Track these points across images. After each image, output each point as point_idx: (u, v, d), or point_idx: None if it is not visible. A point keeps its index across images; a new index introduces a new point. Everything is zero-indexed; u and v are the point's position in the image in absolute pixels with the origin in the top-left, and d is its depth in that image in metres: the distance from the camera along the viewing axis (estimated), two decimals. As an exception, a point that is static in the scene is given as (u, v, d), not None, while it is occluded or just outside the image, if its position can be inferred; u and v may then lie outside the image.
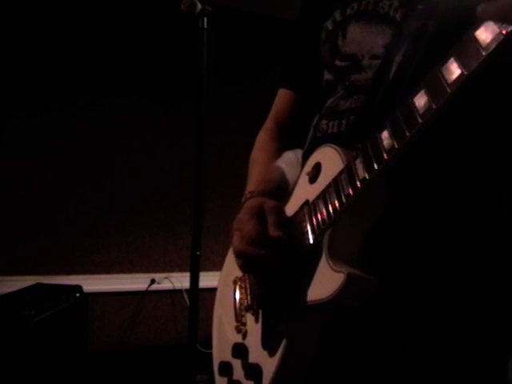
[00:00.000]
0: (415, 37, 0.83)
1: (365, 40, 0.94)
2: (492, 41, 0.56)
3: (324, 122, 1.00)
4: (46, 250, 3.26)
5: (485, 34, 0.57)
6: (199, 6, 2.01)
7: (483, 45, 0.57)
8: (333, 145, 0.86)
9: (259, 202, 0.95)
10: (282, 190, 1.04)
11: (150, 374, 3.17)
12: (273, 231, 0.87)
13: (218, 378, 1.05)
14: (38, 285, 2.84)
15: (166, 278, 3.56)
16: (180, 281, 3.49)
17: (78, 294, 2.75)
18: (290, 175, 1.06)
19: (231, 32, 3.53)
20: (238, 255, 0.93)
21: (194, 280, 2.06)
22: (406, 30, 0.85)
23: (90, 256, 3.41)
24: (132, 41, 3.48)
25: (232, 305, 1.10)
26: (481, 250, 0.84)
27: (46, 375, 2.41)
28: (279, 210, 0.93)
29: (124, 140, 3.48)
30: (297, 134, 1.14)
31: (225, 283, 1.17)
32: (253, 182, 1.10)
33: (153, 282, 3.52)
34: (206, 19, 2.05)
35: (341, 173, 0.79)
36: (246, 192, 1.06)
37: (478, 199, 0.84)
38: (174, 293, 3.56)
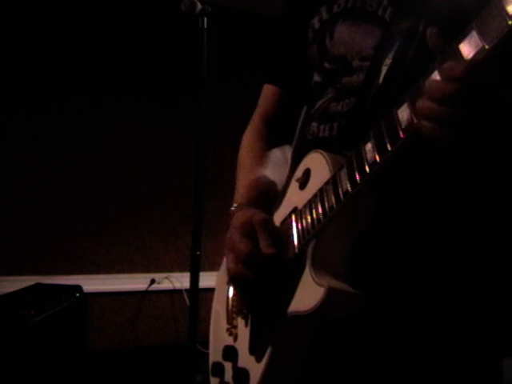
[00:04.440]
0: (405, 38, 0.80)
1: (353, 41, 0.91)
2: (475, 55, 0.54)
3: (315, 124, 0.98)
4: (46, 250, 3.26)
5: (468, 47, 0.55)
6: (199, 6, 2.01)
7: (466, 59, 0.55)
8: (322, 151, 0.85)
9: (247, 216, 0.93)
10: (269, 194, 1.03)
11: (149, 374, 3.17)
12: (266, 249, 0.86)
13: (211, 378, 1.05)
14: (38, 285, 2.84)
15: (166, 277, 3.56)
16: (180, 281, 3.49)
17: (78, 294, 2.74)
18: (277, 176, 1.04)
19: (231, 32, 3.53)
20: (232, 276, 0.92)
21: (194, 280, 2.06)
22: (396, 31, 0.83)
23: (90, 256, 3.41)
24: (132, 41, 3.48)
25: (225, 307, 1.09)
26: (470, 256, 0.83)
27: (47, 375, 2.41)
28: (268, 224, 0.91)
29: (124, 140, 3.48)
30: (284, 131, 1.13)
31: (221, 284, 1.16)
32: (240, 190, 1.08)
33: (153, 281, 3.52)
34: (205, 19, 2.05)
35: (327, 183, 0.79)
36: (234, 202, 1.04)
37: (466, 211, 0.82)
38: (174, 293, 3.55)
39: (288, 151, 1.09)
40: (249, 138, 1.19)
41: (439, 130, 0.59)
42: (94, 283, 3.28)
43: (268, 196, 1.02)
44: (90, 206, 3.40)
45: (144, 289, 3.51)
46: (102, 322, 3.42)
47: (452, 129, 0.59)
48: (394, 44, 0.82)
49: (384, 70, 0.83)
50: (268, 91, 1.17)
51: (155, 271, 3.58)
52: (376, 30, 0.88)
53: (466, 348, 0.83)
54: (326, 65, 0.98)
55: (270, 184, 1.04)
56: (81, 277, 3.30)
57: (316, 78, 1.03)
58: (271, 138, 1.16)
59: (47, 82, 3.29)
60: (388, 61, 0.83)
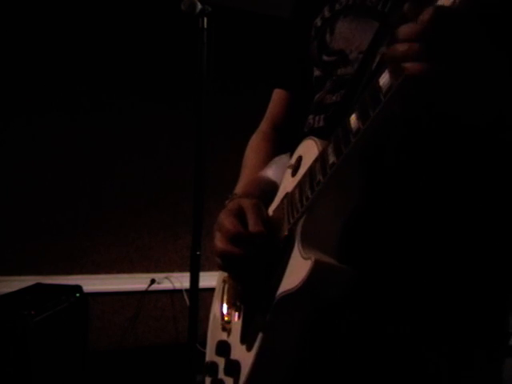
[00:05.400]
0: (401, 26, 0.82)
1: (353, 36, 0.92)
2: (452, 3, 0.57)
3: (311, 116, 0.99)
4: (46, 250, 3.26)
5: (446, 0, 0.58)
6: (199, 6, 2.01)
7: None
8: (314, 137, 0.86)
9: (238, 202, 0.94)
10: (269, 192, 1.02)
11: (150, 373, 3.17)
12: (253, 227, 0.86)
13: (205, 379, 1.04)
14: (38, 285, 2.84)
15: (166, 278, 3.56)
16: (180, 281, 3.49)
17: (78, 294, 2.74)
18: (280, 177, 1.03)
19: (231, 32, 3.53)
20: (219, 255, 0.90)
21: (194, 280, 2.07)
22: (392, 21, 0.83)
23: (90, 256, 3.41)
24: (132, 41, 3.48)
25: (221, 304, 1.09)
26: (467, 247, 0.82)
27: (47, 375, 2.41)
28: (258, 207, 0.91)
29: (124, 140, 3.48)
30: (292, 135, 1.12)
31: (218, 283, 1.16)
32: (239, 186, 1.08)
33: (153, 282, 3.52)
34: (205, 19, 2.05)
35: (315, 161, 0.79)
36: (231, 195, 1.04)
37: (461, 190, 0.81)
38: (174, 293, 3.55)
39: None
40: (256, 140, 1.19)
41: (419, 66, 0.59)
42: (93, 283, 3.28)
43: (267, 194, 1.02)
44: (90, 206, 3.40)
45: (144, 289, 3.51)
46: (101, 322, 3.42)
47: (430, 61, 0.59)
48: (389, 33, 0.83)
49: (378, 57, 0.84)
50: (277, 95, 1.18)
51: (155, 271, 3.58)
52: (375, 25, 0.88)
53: (466, 348, 0.83)
54: (325, 58, 0.99)
55: (271, 183, 1.04)
56: (81, 277, 3.30)
57: (316, 72, 1.04)
58: (278, 142, 1.16)
59: (47, 82, 3.29)
60: (383, 49, 0.83)
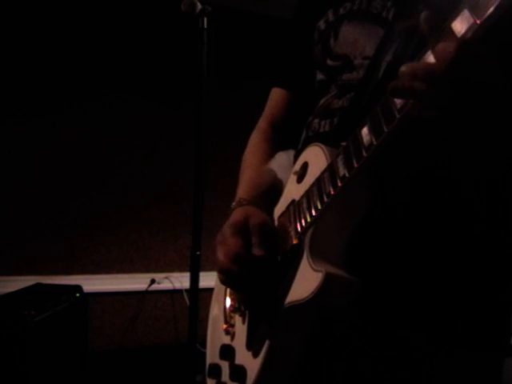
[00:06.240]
0: (406, 35, 0.81)
1: (357, 41, 0.93)
2: (467, 31, 0.55)
3: (316, 120, 0.99)
4: (46, 250, 3.26)
5: (460, 24, 0.56)
6: (199, 6, 2.01)
7: (459, 36, 0.56)
8: (319, 143, 0.86)
9: (245, 214, 0.93)
10: (273, 194, 1.02)
11: (150, 374, 3.17)
12: (256, 251, 0.86)
13: (208, 380, 1.05)
14: (38, 285, 2.84)
15: (166, 278, 3.56)
16: (180, 281, 3.48)
17: (78, 294, 2.74)
18: (282, 178, 1.04)
19: (231, 32, 3.53)
20: (220, 271, 0.91)
21: (194, 280, 2.07)
22: (397, 29, 0.84)
23: (90, 256, 3.41)
24: (132, 41, 3.48)
25: (223, 306, 1.09)
26: (469, 253, 0.83)
27: (46, 375, 2.41)
28: (264, 227, 0.91)
29: (124, 140, 3.48)
30: (290, 134, 1.13)
31: (219, 285, 1.16)
32: (243, 188, 1.08)
33: (153, 282, 3.52)
34: (205, 19, 2.06)
35: (324, 171, 0.79)
36: (236, 198, 1.04)
37: (467, 201, 0.82)
38: (174, 293, 3.55)
39: (292, 155, 1.09)
40: (255, 140, 1.19)
41: (427, 110, 0.60)
42: (94, 283, 3.28)
43: (272, 194, 1.02)
44: (90, 205, 3.40)
45: (144, 289, 3.51)
46: (101, 322, 3.42)
47: (440, 108, 0.60)
48: (394, 42, 0.84)
49: (384, 65, 0.84)
50: (276, 94, 1.17)
51: (155, 271, 3.58)
52: (380, 31, 0.89)
53: (463, 349, 0.83)
54: (329, 62, 0.99)
55: (274, 184, 1.04)
56: (81, 277, 3.29)
57: (319, 76, 1.04)
58: (277, 141, 1.16)
59: (47, 83, 3.29)
60: (388, 57, 0.84)
